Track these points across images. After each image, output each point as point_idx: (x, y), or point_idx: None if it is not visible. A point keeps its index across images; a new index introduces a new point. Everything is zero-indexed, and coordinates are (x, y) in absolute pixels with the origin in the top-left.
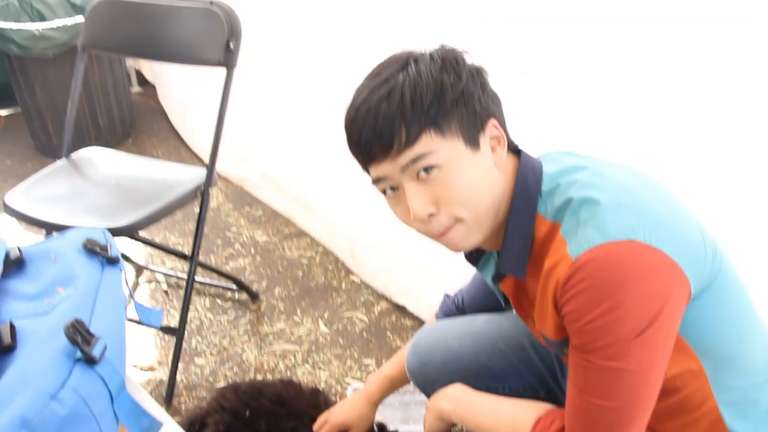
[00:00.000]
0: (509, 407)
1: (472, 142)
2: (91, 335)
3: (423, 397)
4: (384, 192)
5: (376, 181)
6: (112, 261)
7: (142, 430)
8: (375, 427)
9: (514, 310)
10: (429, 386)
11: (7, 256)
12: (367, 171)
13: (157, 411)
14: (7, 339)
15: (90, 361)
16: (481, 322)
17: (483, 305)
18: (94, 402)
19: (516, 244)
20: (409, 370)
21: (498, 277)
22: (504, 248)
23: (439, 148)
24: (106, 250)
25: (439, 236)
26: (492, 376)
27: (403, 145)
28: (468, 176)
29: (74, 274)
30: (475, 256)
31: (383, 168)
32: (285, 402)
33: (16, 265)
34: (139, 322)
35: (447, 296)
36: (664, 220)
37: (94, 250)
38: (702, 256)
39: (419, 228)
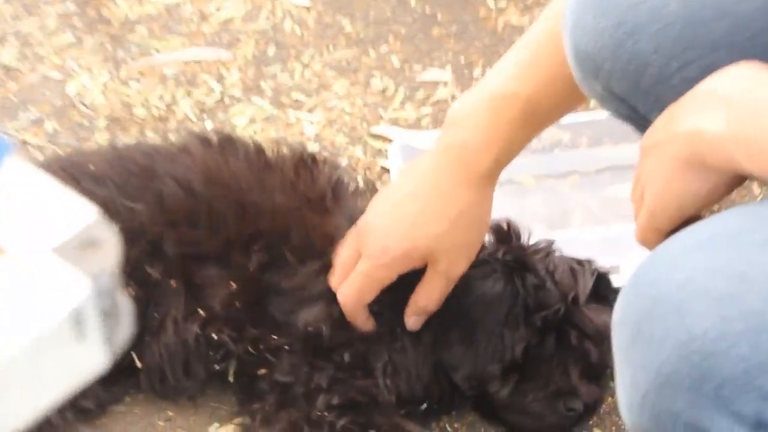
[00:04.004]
0: None
1: None
2: None
3: (615, 153)
4: None
5: None
6: None
7: None
8: (491, 240)
9: None
10: (645, 90)
11: None
12: None
13: None
14: None
15: None
16: None
17: None
18: None
19: None
20: (577, 52)
21: None
22: None
23: None
24: None
25: None
26: None
27: None
28: None
29: None
30: None
31: None
32: (208, 205)
33: None
34: None
35: None
36: None
37: None
38: None
39: None
